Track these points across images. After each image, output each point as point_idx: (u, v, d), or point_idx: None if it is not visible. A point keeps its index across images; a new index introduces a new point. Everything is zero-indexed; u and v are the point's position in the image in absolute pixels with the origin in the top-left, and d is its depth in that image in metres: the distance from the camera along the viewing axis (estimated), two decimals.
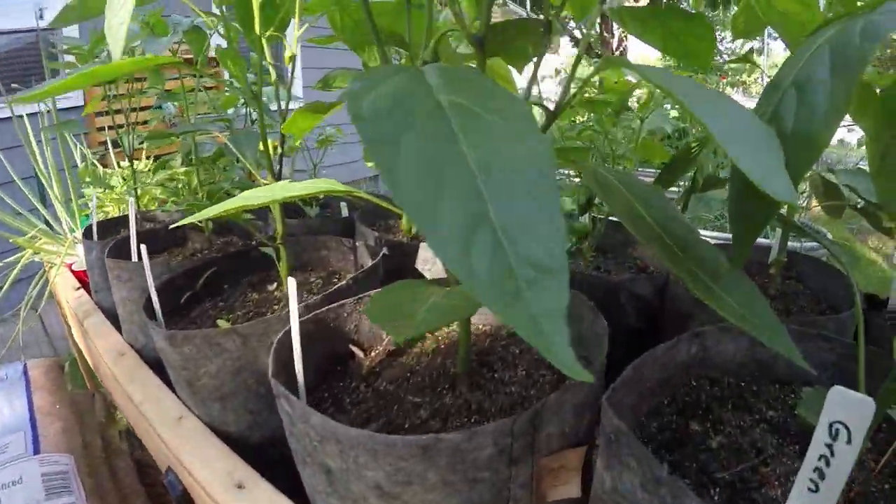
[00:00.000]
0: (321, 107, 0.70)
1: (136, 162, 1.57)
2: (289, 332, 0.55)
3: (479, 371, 0.59)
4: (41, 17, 3.51)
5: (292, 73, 0.73)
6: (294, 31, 0.73)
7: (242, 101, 1.27)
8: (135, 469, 1.66)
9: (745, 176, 0.25)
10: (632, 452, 0.39)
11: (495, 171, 0.22)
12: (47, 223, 1.72)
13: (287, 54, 0.73)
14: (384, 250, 0.79)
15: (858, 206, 0.78)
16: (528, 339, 0.18)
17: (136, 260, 0.99)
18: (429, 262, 0.88)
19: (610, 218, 0.86)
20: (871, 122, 0.41)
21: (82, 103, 2.76)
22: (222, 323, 0.72)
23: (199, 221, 1.05)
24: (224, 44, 0.80)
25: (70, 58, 1.16)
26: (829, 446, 0.30)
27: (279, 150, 0.74)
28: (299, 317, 0.60)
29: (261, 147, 0.78)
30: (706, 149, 0.75)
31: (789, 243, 0.79)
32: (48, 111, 1.75)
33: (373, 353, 0.65)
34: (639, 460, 0.38)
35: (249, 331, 0.63)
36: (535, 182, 0.22)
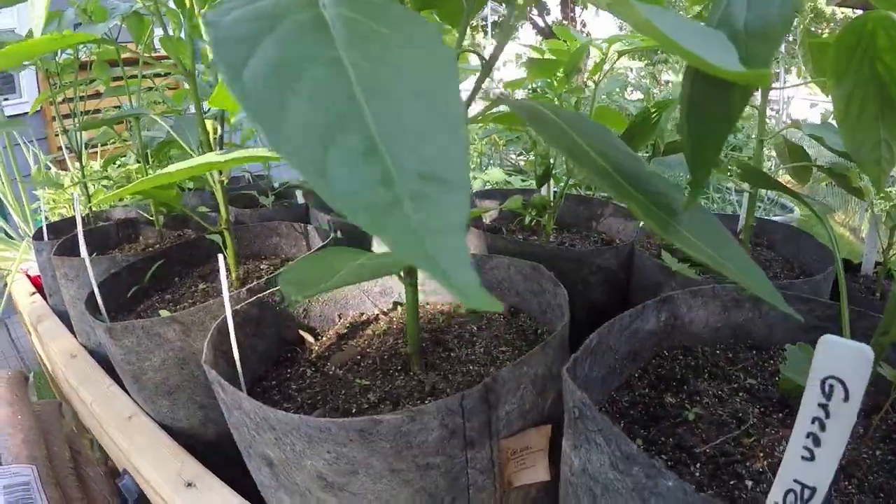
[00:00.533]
0: None
1: (89, 161, 1.52)
2: (226, 319, 0.51)
3: (433, 351, 0.56)
4: None
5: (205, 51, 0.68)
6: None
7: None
8: (107, 478, 1.61)
9: (699, 76, 0.22)
10: (598, 428, 0.35)
11: (382, 78, 0.19)
12: (3, 231, 1.66)
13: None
14: (336, 233, 0.75)
15: (826, 167, 0.76)
16: (407, 258, 0.15)
17: (86, 255, 0.95)
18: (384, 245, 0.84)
19: (573, 192, 0.83)
20: (831, 76, 0.39)
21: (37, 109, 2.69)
22: (164, 313, 0.68)
23: (150, 216, 1.01)
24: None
25: None
26: (824, 406, 0.26)
27: (219, 133, 0.70)
28: (244, 301, 0.57)
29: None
30: (665, 113, 0.72)
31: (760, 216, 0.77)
32: None
33: (323, 338, 0.62)
34: (606, 437, 0.35)
35: (189, 319, 0.59)
36: (433, 90, 0.19)
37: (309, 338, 0.61)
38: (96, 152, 1.88)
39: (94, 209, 1.21)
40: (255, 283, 0.63)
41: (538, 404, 0.46)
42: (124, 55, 1.04)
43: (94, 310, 0.72)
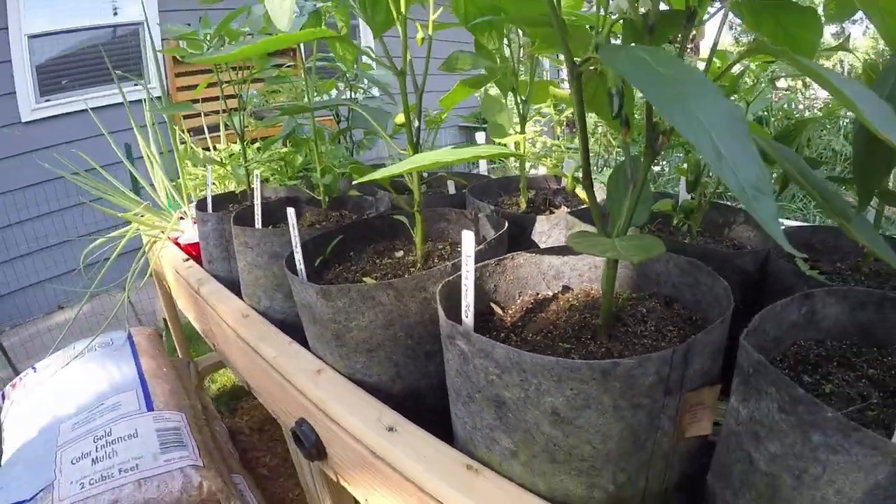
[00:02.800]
0: (477, 81, 0.79)
1: (229, 143, 1.69)
2: (456, 279, 0.64)
3: (614, 325, 0.67)
4: (115, 13, 3.81)
5: (428, 53, 0.80)
6: (430, 14, 0.81)
7: (342, 85, 1.37)
8: (228, 433, 1.79)
9: (868, 133, 0.34)
10: (771, 380, 0.46)
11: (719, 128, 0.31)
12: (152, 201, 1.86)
13: (419, 36, 0.82)
14: (506, 223, 0.87)
15: None
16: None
17: (261, 227, 1.10)
18: (544, 234, 0.96)
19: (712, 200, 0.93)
20: None
21: (164, 88, 2.95)
22: (369, 280, 0.81)
23: (316, 196, 1.16)
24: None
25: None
26: None
27: (416, 124, 0.82)
28: (449, 275, 0.69)
29: (398, 120, 0.87)
30: (805, 131, 0.81)
31: None
32: (149, 98, 1.89)
33: (510, 311, 0.74)
34: (777, 386, 0.46)
35: (404, 285, 0.72)
36: (740, 133, 0.32)
37: (498, 310, 0.73)
38: (218, 135, 2.08)
39: (244, 187, 1.37)
40: (445, 263, 0.76)
41: (712, 368, 0.56)
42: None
43: (294, 271, 0.85)
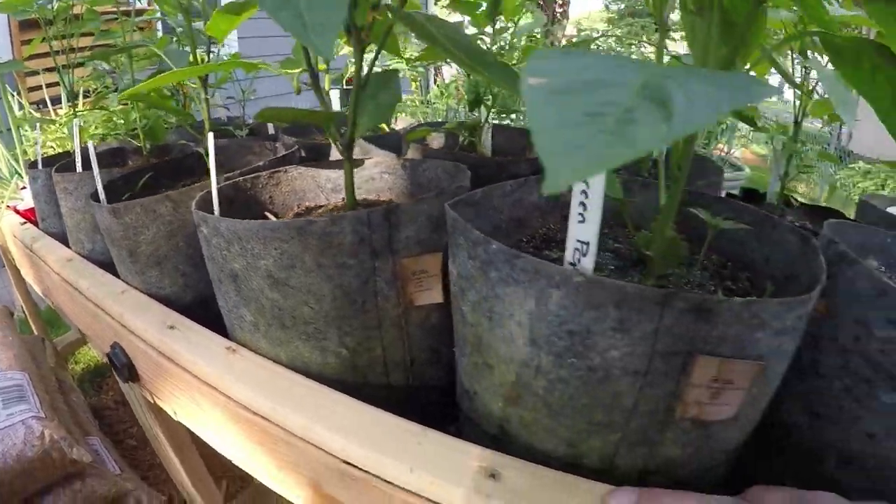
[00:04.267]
0: (239, 6, 0.88)
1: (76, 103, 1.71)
2: (210, 191, 0.73)
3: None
4: None
5: None
6: None
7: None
8: (88, 407, 1.83)
9: None
10: (461, 232, 0.53)
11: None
12: None
13: None
14: (301, 151, 0.97)
15: None
16: (295, 35, 0.36)
17: (81, 171, 1.15)
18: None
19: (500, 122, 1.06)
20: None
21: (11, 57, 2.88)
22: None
23: (138, 143, 1.22)
24: None
25: None
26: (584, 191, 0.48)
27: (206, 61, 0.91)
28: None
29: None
30: None
31: None
32: None
33: (281, 218, 0.83)
34: (465, 235, 0.53)
35: (179, 197, 0.81)
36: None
37: (271, 216, 0.82)
38: (73, 104, 2.09)
39: (82, 144, 1.41)
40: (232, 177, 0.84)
41: (433, 238, 0.66)
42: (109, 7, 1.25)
43: (97, 200, 0.92)
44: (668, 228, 0.53)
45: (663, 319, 0.43)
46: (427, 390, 0.73)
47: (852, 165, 6.32)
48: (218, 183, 0.80)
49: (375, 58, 0.65)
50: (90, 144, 0.95)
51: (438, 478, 0.51)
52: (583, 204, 0.47)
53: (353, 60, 0.68)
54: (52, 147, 1.61)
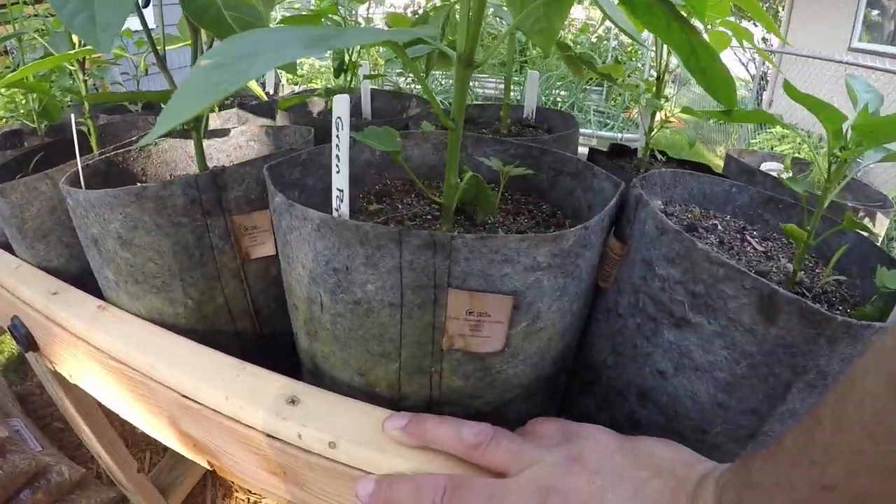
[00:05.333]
0: None
1: None
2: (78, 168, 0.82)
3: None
4: None
5: None
6: None
7: None
8: (12, 393, 1.91)
9: None
10: (269, 189, 0.64)
11: None
12: None
13: None
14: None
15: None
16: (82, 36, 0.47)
17: None
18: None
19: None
20: None
21: None
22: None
23: (33, 124, 1.30)
24: None
25: None
26: (337, 136, 0.59)
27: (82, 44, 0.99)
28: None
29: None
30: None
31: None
32: None
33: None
34: (269, 191, 0.64)
35: (57, 175, 0.90)
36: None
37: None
38: None
39: None
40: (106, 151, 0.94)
41: (260, 196, 0.77)
42: None
43: None
44: (452, 176, 0.63)
45: (403, 255, 0.54)
46: (275, 336, 0.84)
47: (771, 130, 6.62)
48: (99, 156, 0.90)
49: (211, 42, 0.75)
50: None
51: (247, 403, 0.62)
52: (337, 157, 0.59)
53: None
54: None
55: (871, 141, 0.57)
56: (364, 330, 0.59)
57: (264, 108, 1.29)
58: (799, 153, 5.83)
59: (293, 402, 0.62)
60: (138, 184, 0.93)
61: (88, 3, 0.49)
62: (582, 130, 3.07)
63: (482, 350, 0.59)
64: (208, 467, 0.78)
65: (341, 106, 0.57)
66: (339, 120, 0.58)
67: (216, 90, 0.31)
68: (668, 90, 1.12)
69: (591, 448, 0.51)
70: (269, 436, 0.61)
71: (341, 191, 0.60)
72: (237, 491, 1.82)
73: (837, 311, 0.62)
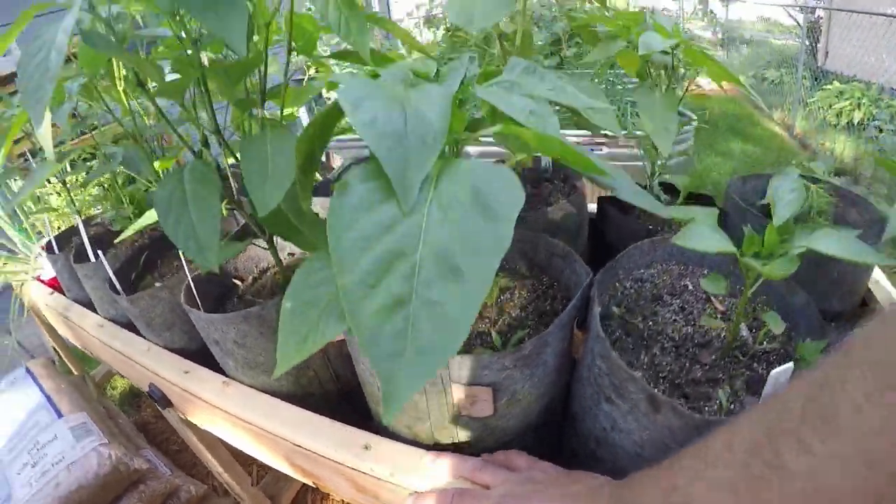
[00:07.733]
0: None
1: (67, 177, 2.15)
2: (189, 283, 1.19)
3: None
4: None
5: None
6: None
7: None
8: (133, 425, 2.35)
9: None
10: None
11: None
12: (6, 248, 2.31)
13: None
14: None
15: None
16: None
17: (94, 260, 1.62)
18: None
19: None
20: None
21: None
22: (157, 285, 1.36)
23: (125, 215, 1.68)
24: None
25: None
26: None
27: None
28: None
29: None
30: None
31: None
32: None
33: (248, 282, 1.29)
34: None
35: (172, 283, 1.27)
36: None
37: (238, 283, 1.28)
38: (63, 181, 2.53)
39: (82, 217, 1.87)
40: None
41: None
42: None
43: (116, 291, 1.39)
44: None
45: None
46: (351, 393, 1.20)
47: (827, 87, 6.43)
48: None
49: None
50: (102, 257, 1.41)
51: (338, 449, 0.98)
52: None
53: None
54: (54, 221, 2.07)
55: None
56: (408, 404, 0.93)
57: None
58: (859, 108, 5.85)
59: (367, 447, 0.97)
60: (234, 279, 1.30)
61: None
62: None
63: (480, 415, 0.83)
64: (312, 485, 1.15)
65: None
66: None
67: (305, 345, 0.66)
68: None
69: (540, 475, 0.81)
70: (352, 469, 0.96)
71: None
72: (333, 500, 2.22)
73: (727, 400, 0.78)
